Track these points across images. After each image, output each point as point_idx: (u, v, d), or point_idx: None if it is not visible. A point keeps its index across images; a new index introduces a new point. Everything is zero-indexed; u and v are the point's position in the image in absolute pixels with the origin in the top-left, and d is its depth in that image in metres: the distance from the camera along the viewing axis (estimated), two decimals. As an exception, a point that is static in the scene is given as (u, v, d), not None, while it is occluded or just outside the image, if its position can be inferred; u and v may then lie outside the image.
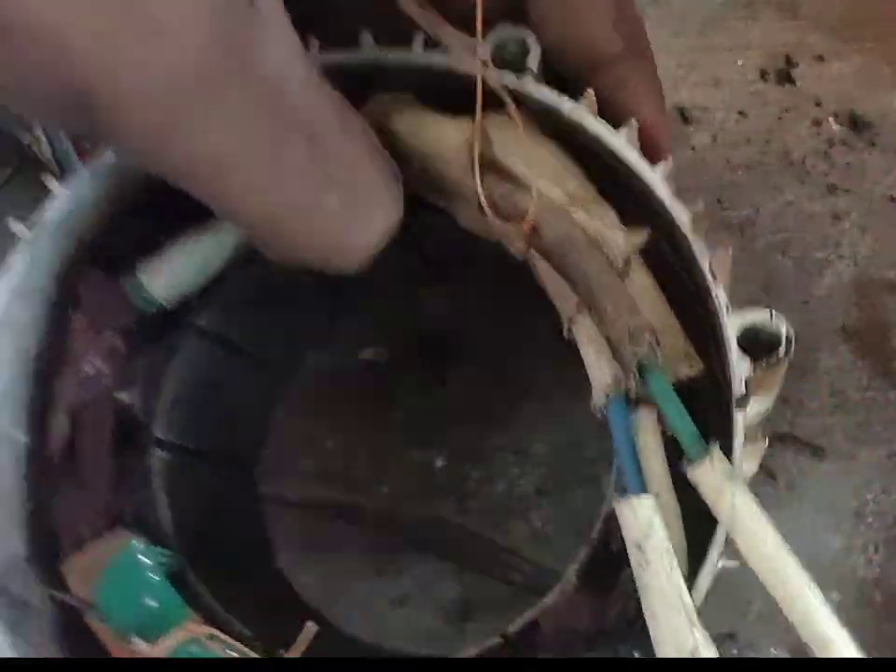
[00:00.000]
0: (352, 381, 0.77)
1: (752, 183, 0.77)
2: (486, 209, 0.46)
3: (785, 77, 0.77)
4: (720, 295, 0.45)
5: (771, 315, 0.44)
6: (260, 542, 0.68)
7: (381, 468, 0.76)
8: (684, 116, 0.78)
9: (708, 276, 0.45)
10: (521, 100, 0.48)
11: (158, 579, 0.47)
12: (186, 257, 0.52)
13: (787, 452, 0.75)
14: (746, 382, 0.44)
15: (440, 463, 0.78)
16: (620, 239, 0.46)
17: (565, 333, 0.48)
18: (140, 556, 0.48)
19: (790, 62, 0.77)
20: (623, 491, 0.45)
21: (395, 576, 0.73)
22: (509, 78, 0.48)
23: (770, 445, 0.64)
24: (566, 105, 0.47)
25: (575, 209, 0.46)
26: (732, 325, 0.45)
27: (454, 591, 0.73)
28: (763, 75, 0.77)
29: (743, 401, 0.44)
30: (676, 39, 0.78)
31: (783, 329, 0.44)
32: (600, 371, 0.45)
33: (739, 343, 0.44)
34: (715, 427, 0.45)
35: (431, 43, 0.49)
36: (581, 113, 0.47)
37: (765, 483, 0.75)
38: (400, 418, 0.79)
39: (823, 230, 0.77)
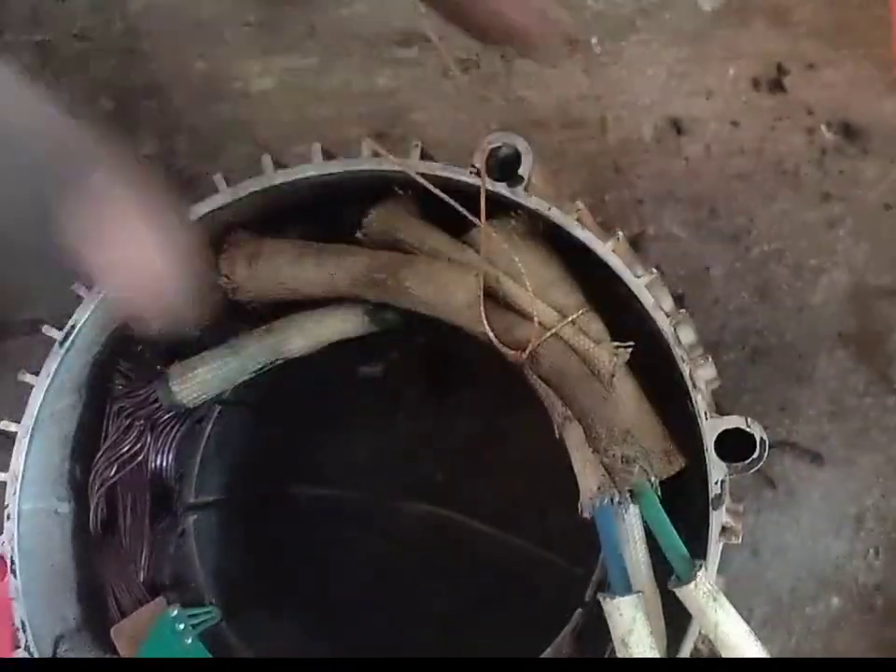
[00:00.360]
0: (352, 397, 0.78)
1: (746, 192, 0.77)
2: (494, 342, 0.51)
3: (777, 86, 0.77)
4: (699, 401, 0.48)
5: (747, 422, 0.48)
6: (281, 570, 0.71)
7: (383, 482, 0.77)
8: (677, 127, 0.78)
9: (688, 382, 0.48)
10: (516, 205, 0.51)
11: (190, 641, 0.54)
12: (214, 372, 0.56)
13: (786, 459, 0.76)
14: (721, 483, 0.48)
15: (440, 477, 0.78)
16: (605, 357, 0.49)
17: (556, 434, 0.52)
18: (175, 623, 0.54)
19: (781, 70, 0.77)
20: (609, 587, 0.49)
21: (403, 584, 0.74)
22: (503, 189, 0.50)
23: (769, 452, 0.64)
24: (555, 215, 0.50)
25: (564, 325, 0.49)
26: (710, 430, 0.48)
27: (462, 598, 0.74)
28: (755, 84, 0.77)
29: (718, 501, 0.47)
30: (667, 50, 0.78)
31: (757, 434, 0.48)
32: (586, 478, 0.48)
33: (716, 447, 0.48)
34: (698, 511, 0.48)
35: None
36: (569, 223, 0.50)
37: (765, 490, 0.75)
38: (401, 433, 0.79)
39: (818, 237, 0.77)
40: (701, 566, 0.46)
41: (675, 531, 0.47)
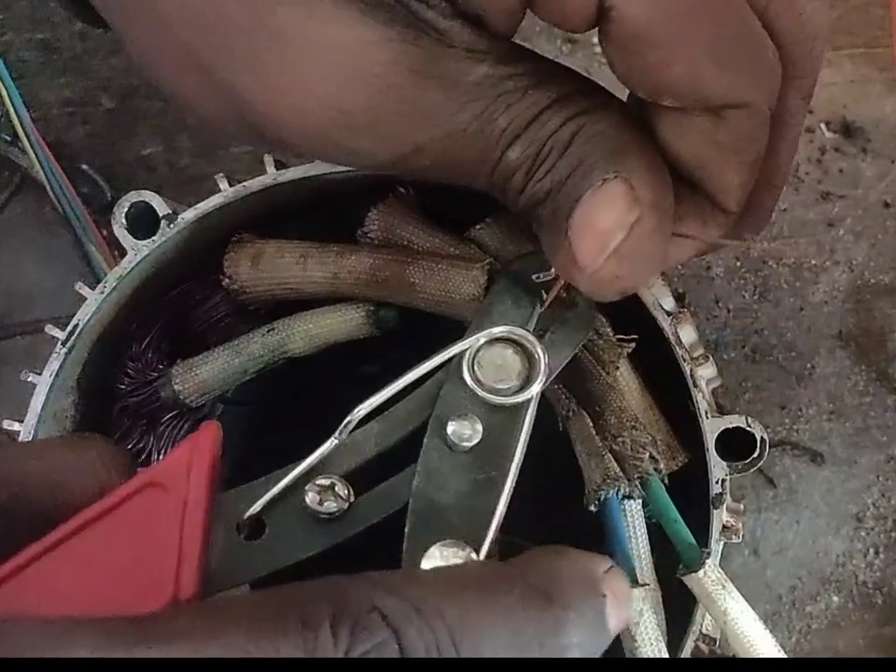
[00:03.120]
0: (353, 397, 0.78)
1: (746, 191, 0.77)
2: None
3: (777, 85, 0.77)
4: (699, 400, 0.48)
5: (747, 421, 0.48)
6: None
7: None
8: (677, 126, 0.78)
9: (689, 381, 0.49)
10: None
11: None
12: (216, 372, 0.56)
13: (786, 458, 0.76)
14: (722, 482, 0.48)
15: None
16: (609, 349, 0.49)
17: (560, 426, 0.52)
18: None
19: (781, 69, 0.77)
20: None
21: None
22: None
23: (769, 451, 0.65)
24: None
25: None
26: (710, 429, 0.48)
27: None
28: (755, 83, 0.78)
29: (719, 500, 0.48)
30: (667, 49, 0.78)
31: (758, 433, 0.48)
32: (591, 470, 0.48)
33: (717, 446, 0.48)
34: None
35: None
36: None
37: (766, 489, 0.76)
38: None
39: (818, 236, 0.77)
40: (709, 554, 0.47)
41: (682, 519, 0.47)
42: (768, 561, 0.76)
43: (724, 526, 0.48)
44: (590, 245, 0.40)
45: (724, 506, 0.47)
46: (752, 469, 0.48)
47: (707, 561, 0.46)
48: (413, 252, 0.52)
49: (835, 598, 0.75)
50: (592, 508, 0.49)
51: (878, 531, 0.75)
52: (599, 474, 0.48)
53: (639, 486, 0.48)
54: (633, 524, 0.48)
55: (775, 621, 0.75)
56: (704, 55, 0.39)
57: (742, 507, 0.52)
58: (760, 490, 0.76)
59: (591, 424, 0.49)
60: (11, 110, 0.71)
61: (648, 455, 0.48)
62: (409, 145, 0.41)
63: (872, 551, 0.75)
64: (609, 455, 0.48)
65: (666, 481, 0.49)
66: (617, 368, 0.49)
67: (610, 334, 0.50)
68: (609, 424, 0.48)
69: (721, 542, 0.48)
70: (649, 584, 0.47)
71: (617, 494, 0.48)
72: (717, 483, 0.48)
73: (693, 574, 0.46)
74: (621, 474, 0.48)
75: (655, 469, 0.48)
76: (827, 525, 0.75)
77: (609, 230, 0.39)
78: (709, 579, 0.45)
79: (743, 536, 0.50)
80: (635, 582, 0.47)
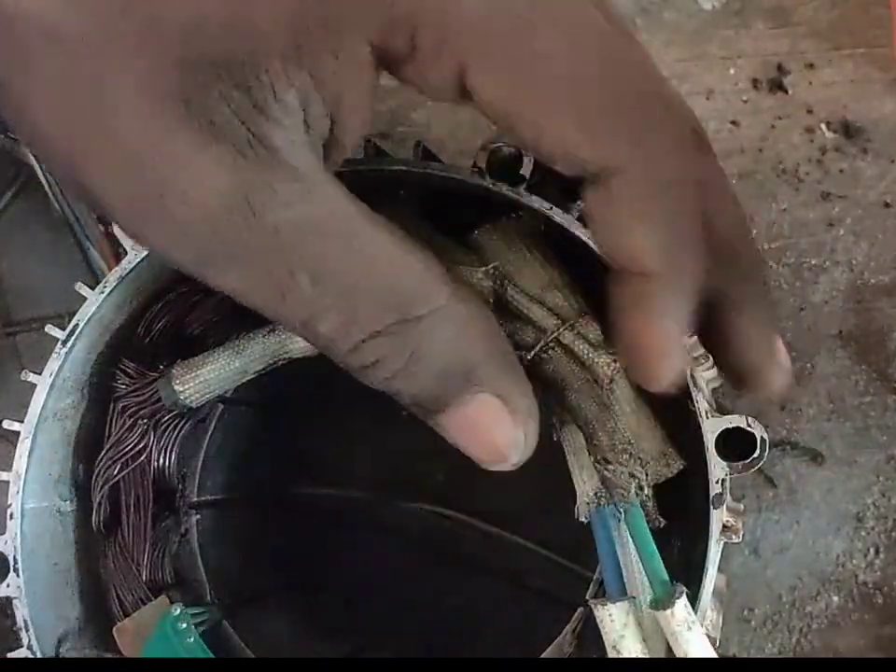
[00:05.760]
0: (354, 396, 0.78)
1: (746, 191, 0.77)
2: None
3: (777, 85, 0.77)
4: (699, 401, 0.49)
5: (748, 421, 0.48)
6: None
7: (384, 481, 0.77)
8: (677, 126, 0.78)
9: (689, 381, 0.49)
10: (517, 205, 0.51)
11: (192, 640, 0.54)
12: (217, 372, 0.56)
13: (786, 458, 0.76)
14: (722, 482, 0.48)
15: (441, 477, 0.78)
16: (603, 363, 0.49)
17: (553, 437, 0.52)
18: (177, 622, 0.54)
19: (781, 69, 0.77)
20: (602, 591, 0.50)
21: (404, 584, 0.74)
22: (504, 190, 0.51)
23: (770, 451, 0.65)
24: (557, 216, 0.51)
25: (563, 329, 0.49)
26: (711, 429, 0.48)
27: (463, 598, 0.74)
28: (755, 83, 0.78)
29: (719, 500, 0.48)
30: (666, 49, 0.78)
31: (758, 434, 0.48)
32: (583, 482, 0.48)
33: (717, 446, 0.48)
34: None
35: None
36: (571, 223, 0.51)
37: (766, 489, 0.76)
38: (402, 432, 0.79)
39: (818, 236, 0.77)
40: (682, 593, 0.46)
41: (658, 553, 0.47)
42: (768, 561, 0.76)
43: (724, 526, 0.48)
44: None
45: (724, 506, 0.47)
46: (752, 470, 0.48)
47: (676, 601, 0.45)
48: None
49: (835, 598, 0.75)
50: (583, 519, 0.49)
51: (878, 531, 0.75)
52: (591, 487, 0.48)
53: (623, 513, 0.48)
54: (625, 535, 0.48)
55: (775, 621, 0.75)
56: (568, 127, 0.41)
57: (742, 507, 0.52)
58: (760, 490, 0.76)
59: (583, 438, 0.49)
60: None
61: (635, 484, 0.48)
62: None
63: (872, 551, 0.75)
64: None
65: (651, 502, 0.49)
66: (612, 381, 0.49)
67: (606, 346, 0.49)
68: (602, 446, 0.48)
69: (721, 542, 0.48)
70: (635, 597, 0.47)
71: (608, 506, 0.48)
72: (717, 482, 0.48)
73: (661, 611, 0.46)
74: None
75: (640, 501, 0.48)
76: (827, 524, 0.75)
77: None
78: (676, 619, 0.45)
79: (743, 536, 0.50)
80: (623, 594, 0.47)
